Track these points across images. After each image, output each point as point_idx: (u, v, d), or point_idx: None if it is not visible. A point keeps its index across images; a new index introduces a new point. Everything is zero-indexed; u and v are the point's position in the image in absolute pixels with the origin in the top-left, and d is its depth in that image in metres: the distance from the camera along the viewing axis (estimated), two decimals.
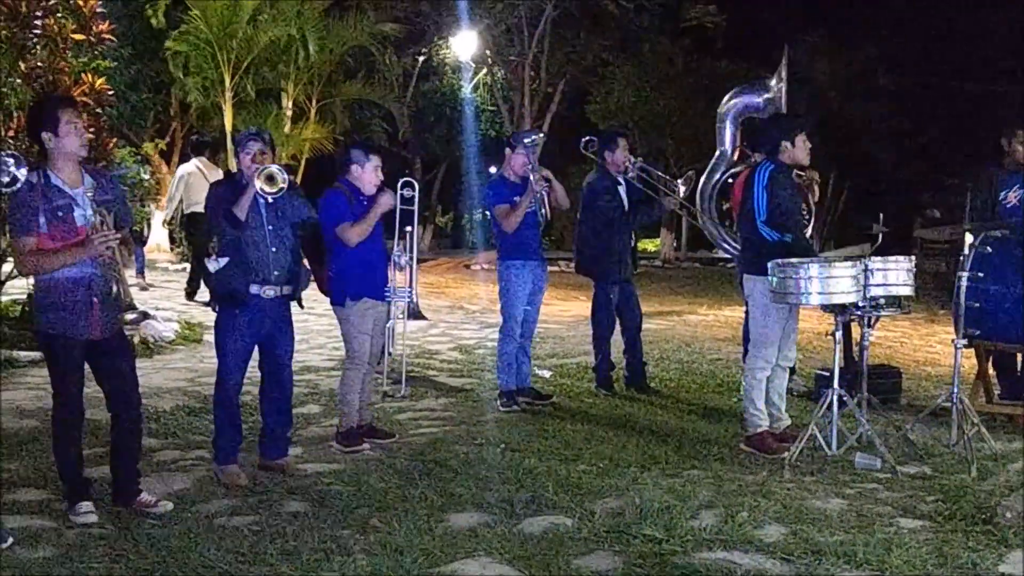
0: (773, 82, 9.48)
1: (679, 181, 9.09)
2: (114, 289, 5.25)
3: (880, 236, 7.32)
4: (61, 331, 5.21)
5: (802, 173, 8.21)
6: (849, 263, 6.39)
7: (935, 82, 25.80)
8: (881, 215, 7.50)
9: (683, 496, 5.71)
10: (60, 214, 5.11)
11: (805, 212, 8.47)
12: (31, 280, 10.63)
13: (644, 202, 8.84)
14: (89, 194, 5.20)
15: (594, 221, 8.68)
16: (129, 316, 5.19)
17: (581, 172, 8.94)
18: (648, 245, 34.12)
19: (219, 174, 14.84)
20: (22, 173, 4.66)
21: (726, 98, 9.88)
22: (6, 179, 4.63)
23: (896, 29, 26.58)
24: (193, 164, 14.26)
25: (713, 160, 9.86)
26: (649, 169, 9.00)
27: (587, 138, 9.06)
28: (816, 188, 8.99)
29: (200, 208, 13.49)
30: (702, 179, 9.71)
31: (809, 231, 8.24)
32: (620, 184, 8.70)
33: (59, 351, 5.29)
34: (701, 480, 6.11)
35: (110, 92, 10.48)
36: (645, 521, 5.27)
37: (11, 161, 4.64)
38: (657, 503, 5.53)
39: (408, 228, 7.98)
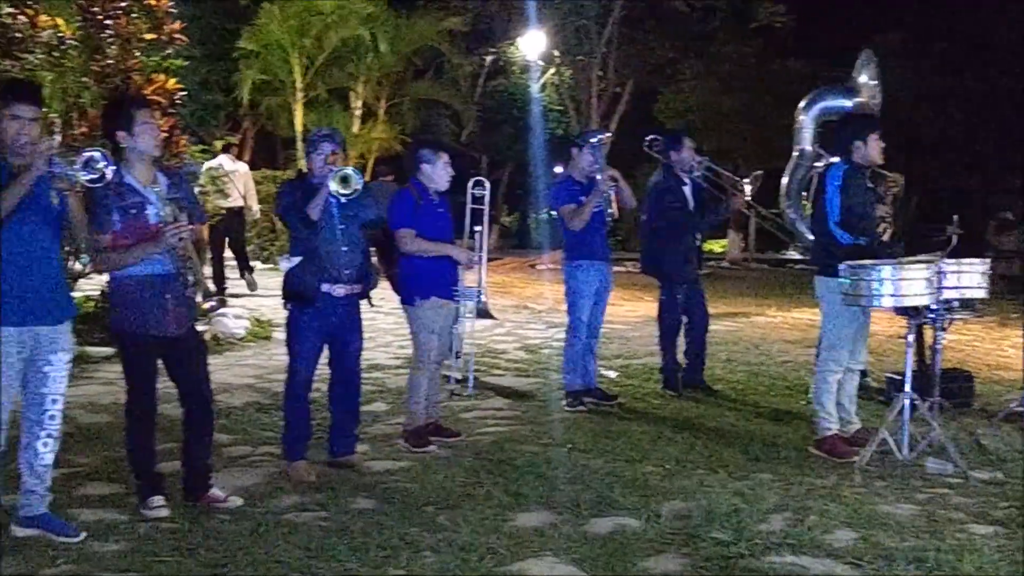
0: (863, 79, 9.33)
1: (746, 180, 9.01)
2: (190, 279, 5.31)
3: (954, 238, 7.20)
4: (134, 328, 5.28)
5: (888, 175, 8.10)
6: (922, 265, 6.29)
7: (1008, 84, 25.35)
8: (956, 217, 7.37)
9: (751, 499, 5.66)
10: (133, 212, 5.18)
11: (887, 215, 8.37)
12: (104, 277, 10.88)
13: (710, 202, 8.78)
14: (161, 192, 5.27)
15: (659, 221, 8.63)
16: (207, 304, 5.27)
17: (649, 172, 8.89)
18: (715, 246, 33.82)
19: (242, 167, 15.21)
20: (110, 171, 4.74)
21: (806, 98, 9.78)
22: (95, 175, 4.71)
23: (971, 30, 26.12)
24: (219, 160, 14.62)
25: (793, 160, 9.76)
26: (715, 168, 8.94)
27: (651, 137, 9.02)
28: (897, 190, 8.86)
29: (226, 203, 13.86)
30: (784, 179, 9.62)
31: (888, 235, 8.13)
32: (685, 184, 8.64)
33: (132, 348, 5.37)
34: (770, 483, 6.05)
35: (182, 91, 10.63)
36: (713, 524, 5.24)
37: (99, 156, 4.72)
38: (725, 506, 5.50)
39: (478, 228, 7.98)
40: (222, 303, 5.08)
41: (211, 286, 6.31)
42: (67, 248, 6.64)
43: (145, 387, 5.40)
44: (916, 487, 6.01)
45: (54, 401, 4.98)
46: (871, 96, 9.29)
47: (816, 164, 9.09)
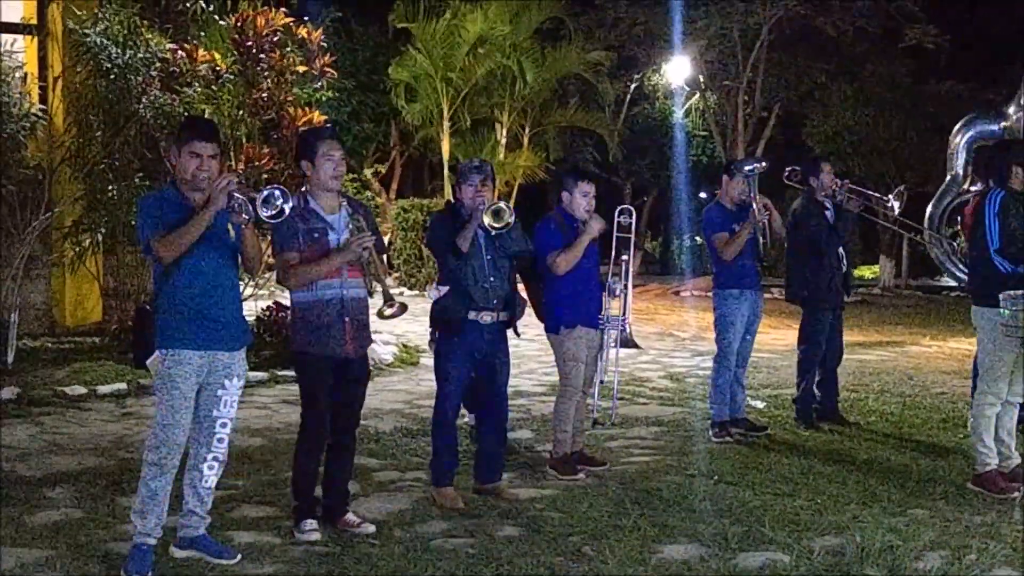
0: (1011, 109, 9.11)
1: (891, 196, 8.84)
2: (377, 288, 5.48)
3: None
4: (315, 350, 5.46)
5: None
6: None
7: None
8: None
9: (907, 536, 5.50)
10: (315, 235, 5.41)
11: None
12: (261, 304, 11.21)
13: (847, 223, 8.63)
14: (345, 221, 5.47)
15: (801, 247, 8.51)
16: (388, 311, 5.42)
17: (796, 198, 8.78)
18: (866, 272, 33.05)
19: None
20: (288, 207, 4.92)
21: (960, 123, 9.55)
22: (273, 211, 4.90)
23: None
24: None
25: (944, 185, 9.54)
26: (857, 189, 8.78)
27: (789, 169, 8.92)
28: None
29: None
30: (931, 204, 9.40)
31: None
32: (827, 209, 8.50)
33: (311, 369, 5.53)
34: (926, 520, 5.87)
35: (328, 124, 10.90)
36: (866, 561, 5.11)
37: (279, 194, 4.90)
38: (879, 542, 5.35)
39: (624, 256, 7.95)
40: (403, 308, 5.24)
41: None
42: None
43: (321, 408, 5.54)
44: None
45: (223, 425, 5.13)
46: (1018, 121, 9.02)
47: (970, 190, 8.84)
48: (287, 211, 4.93)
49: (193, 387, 4.97)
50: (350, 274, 5.47)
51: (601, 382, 8.69)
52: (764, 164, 8.32)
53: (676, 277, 30.86)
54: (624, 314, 8.05)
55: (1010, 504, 6.15)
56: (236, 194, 4.83)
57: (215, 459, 5.14)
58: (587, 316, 6.95)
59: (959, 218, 8.98)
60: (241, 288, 5.52)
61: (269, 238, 5.58)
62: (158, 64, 10.61)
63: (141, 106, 10.35)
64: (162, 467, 4.93)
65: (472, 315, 6.13)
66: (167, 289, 4.95)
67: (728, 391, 8.12)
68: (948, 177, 9.51)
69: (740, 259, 7.97)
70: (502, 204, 6.05)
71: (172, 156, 5.10)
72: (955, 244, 8.87)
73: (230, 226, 5.00)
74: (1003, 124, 9.14)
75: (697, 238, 33.81)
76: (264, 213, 4.86)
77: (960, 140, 9.44)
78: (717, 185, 8.34)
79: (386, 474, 6.91)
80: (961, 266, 9.15)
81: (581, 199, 6.91)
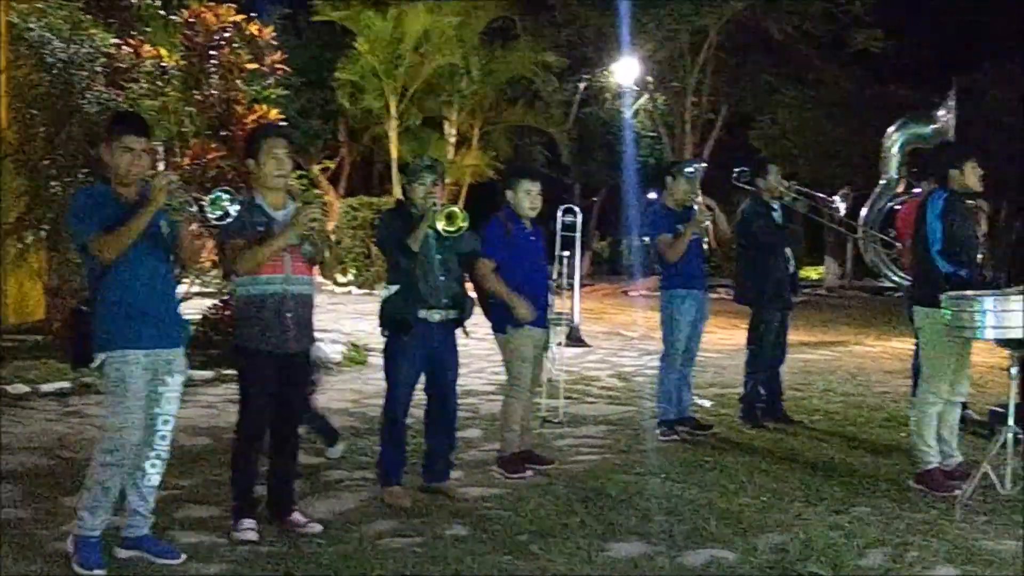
0: (941, 112, 9.25)
1: (836, 198, 8.96)
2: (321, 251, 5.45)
3: None
4: (256, 345, 5.43)
5: (971, 202, 7.96)
6: None
7: None
8: None
9: (850, 533, 5.57)
10: (260, 230, 5.37)
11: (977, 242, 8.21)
12: (206, 303, 11.11)
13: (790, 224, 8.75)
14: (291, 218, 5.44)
15: (750, 248, 8.59)
16: (341, 276, 5.42)
17: (743, 199, 8.88)
18: (811, 272, 33.41)
19: None
20: (234, 209, 4.90)
21: (892, 126, 9.68)
22: (219, 213, 4.87)
23: None
24: None
25: (878, 188, 9.65)
26: (804, 191, 8.88)
27: (737, 170, 8.99)
28: (983, 219, 8.71)
29: None
30: (865, 207, 9.52)
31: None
32: (775, 210, 8.60)
33: (251, 364, 5.49)
34: (868, 517, 5.95)
35: (283, 121, 10.83)
36: (810, 558, 5.17)
37: (226, 197, 4.87)
38: (823, 540, 5.42)
39: (565, 253, 7.93)
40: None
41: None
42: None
43: (260, 405, 5.51)
44: (1018, 523, 5.84)
45: (166, 422, 5.09)
46: (947, 123, 9.17)
47: (904, 193, 8.98)
48: (233, 213, 4.91)
49: (144, 386, 4.93)
50: (295, 269, 5.45)
51: (549, 380, 8.72)
52: (705, 165, 8.41)
53: (626, 277, 30.99)
54: (571, 312, 8.05)
55: (951, 502, 6.22)
56: (175, 193, 4.80)
57: (158, 457, 5.10)
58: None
59: (894, 221, 9.11)
60: (187, 287, 5.49)
61: (213, 236, 5.54)
62: (102, 59, 10.48)
63: (85, 101, 10.22)
64: (119, 466, 4.90)
65: (422, 314, 6.12)
66: (104, 289, 4.89)
67: (675, 390, 8.18)
68: (882, 181, 9.62)
69: (686, 260, 8.01)
70: (455, 208, 6.06)
71: (104, 152, 5.02)
72: (889, 250, 8.96)
73: (164, 223, 4.97)
74: (933, 127, 9.28)
75: (645, 239, 33.96)
76: (212, 215, 4.84)
77: (892, 143, 9.57)
78: (664, 186, 8.39)
79: (334, 473, 6.88)
80: (895, 268, 9.26)
81: (525, 198, 6.92)
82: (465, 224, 6.03)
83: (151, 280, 4.95)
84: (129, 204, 4.87)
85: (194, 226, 5.00)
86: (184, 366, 5.20)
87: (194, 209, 4.84)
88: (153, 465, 5.09)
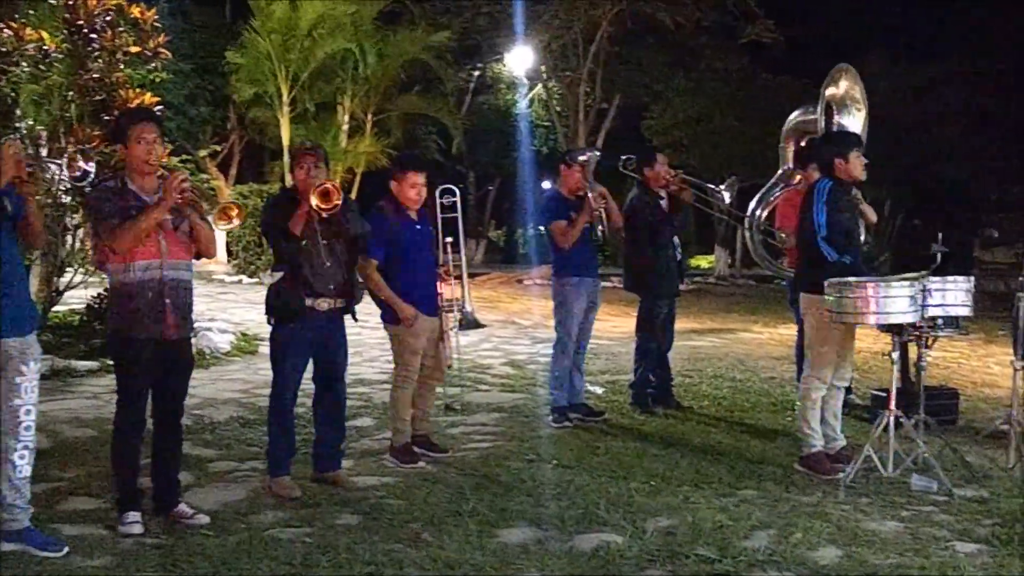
0: (817, 107, 9.43)
1: (722, 187, 9.08)
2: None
3: (939, 256, 7.23)
4: (131, 331, 5.29)
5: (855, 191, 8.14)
6: (906, 283, 6.30)
7: (1000, 99, 25.48)
8: (940, 235, 7.40)
9: (736, 516, 5.66)
10: (133, 213, 5.22)
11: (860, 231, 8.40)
12: (89, 292, 10.83)
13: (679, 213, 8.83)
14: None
15: (637, 236, 8.65)
16: (224, 224, 5.34)
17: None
18: (702, 261, 33.91)
19: None
20: (91, 166, 4.78)
21: (791, 116, 9.82)
22: (77, 173, 4.74)
23: (960, 46, 26.23)
24: None
25: (775, 177, 9.79)
26: (690, 179, 8.98)
27: (624, 157, 9.04)
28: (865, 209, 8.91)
29: None
30: (756, 198, 9.64)
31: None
32: (662, 198, 8.68)
33: (127, 350, 5.36)
34: (755, 500, 6.06)
35: (159, 106, 10.55)
36: (698, 540, 5.24)
37: (78, 156, 4.75)
38: (710, 522, 5.50)
39: (449, 239, 7.81)
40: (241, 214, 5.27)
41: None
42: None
43: (138, 393, 5.39)
44: (901, 504, 6.01)
45: (28, 412, 4.96)
46: (820, 113, 9.32)
47: (791, 183, 9.09)
48: (91, 170, 4.80)
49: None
50: (172, 254, 5.33)
51: (449, 367, 8.67)
52: (598, 153, 8.44)
53: (520, 266, 31.10)
54: (462, 298, 7.96)
55: (835, 484, 6.37)
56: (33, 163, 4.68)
57: (25, 448, 4.97)
58: (422, 304, 6.90)
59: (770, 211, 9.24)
60: (69, 276, 5.33)
61: (89, 224, 5.41)
62: None
63: None
64: None
65: (309, 302, 6.04)
66: None
67: (567, 377, 8.22)
68: (780, 170, 9.76)
69: (578, 248, 8.06)
70: (329, 185, 5.96)
71: None
72: (778, 236, 9.06)
73: (6, 200, 4.77)
74: (812, 117, 9.45)
75: (541, 228, 34.12)
76: (69, 174, 4.72)
77: (787, 132, 9.71)
78: (558, 175, 8.41)
79: (222, 464, 6.77)
80: (771, 257, 9.41)
81: (410, 190, 6.86)
82: (339, 201, 5.90)
83: None
84: None
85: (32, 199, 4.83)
86: (39, 353, 5.07)
87: (51, 173, 4.70)
88: (22, 456, 4.96)
